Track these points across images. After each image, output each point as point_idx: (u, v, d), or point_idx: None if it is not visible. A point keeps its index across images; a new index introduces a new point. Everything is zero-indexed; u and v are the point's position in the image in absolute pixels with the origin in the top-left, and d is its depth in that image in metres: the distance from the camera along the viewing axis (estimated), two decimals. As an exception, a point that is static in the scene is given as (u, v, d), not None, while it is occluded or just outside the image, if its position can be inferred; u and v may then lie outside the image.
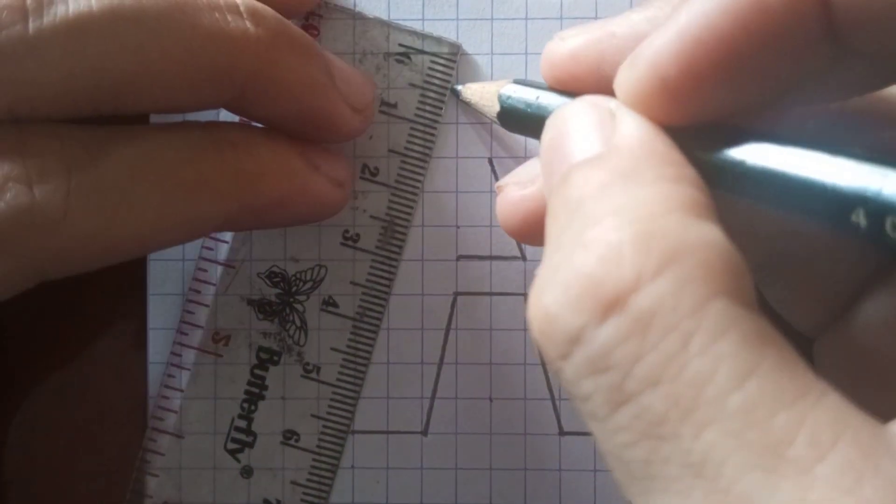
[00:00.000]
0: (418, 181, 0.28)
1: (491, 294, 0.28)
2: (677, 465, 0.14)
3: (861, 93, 0.20)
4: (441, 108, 0.27)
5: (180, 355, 0.27)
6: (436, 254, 0.28)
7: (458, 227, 0.28)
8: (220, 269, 0.28)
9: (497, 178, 0.28)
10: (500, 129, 0.28)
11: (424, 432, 0.28)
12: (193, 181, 0.22)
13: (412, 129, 0.28)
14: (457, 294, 0.28)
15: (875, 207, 0.15)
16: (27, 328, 0.28)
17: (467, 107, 0.27)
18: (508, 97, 0.24)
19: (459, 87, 0.27)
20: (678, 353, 0.15)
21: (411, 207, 0.28)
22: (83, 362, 0.28)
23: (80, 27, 0.20)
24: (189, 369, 0.27)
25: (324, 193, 0.25)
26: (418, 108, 0.28)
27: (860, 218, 0.15)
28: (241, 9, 0.22)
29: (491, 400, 0.28)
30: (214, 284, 0.28)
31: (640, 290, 0.15)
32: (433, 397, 0.28)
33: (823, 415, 0.14)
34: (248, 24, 0.22)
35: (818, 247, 0.22)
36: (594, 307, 0.15)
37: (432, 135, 0.28)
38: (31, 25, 0.20)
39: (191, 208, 0.22)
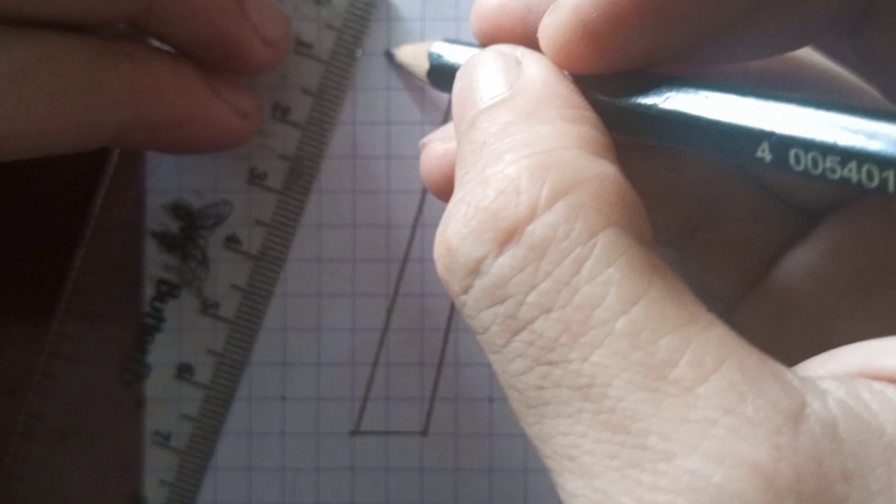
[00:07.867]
0: (331, 122, 0.27)
1: (491, 294, 0.27)
2: (567, 388, 0.15)
3: (780, 51, 0.20)
4: (357, 52, 0.27)
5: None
6: (436, 254, 0.28)
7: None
8: (125, 199, 0.27)
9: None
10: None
11: (424, 433, 0.28)
12: (86, 85, 0.22)
13: (327, 70, 0.27)
14: (457, 294, 0.28)
15: (778, 141, 0.16)
16: (26, 328, 0.28)
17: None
18: (438, 56, 0.23)
19: (394, 51, 0.27)
20: (570, 279, 0.15)
21: (320, 148, 0.27)
22: (81, 364, 0.28)
23: None
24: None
25: (225, 120, 0.25)
26: (335, 51, 0.27)
27: (765, 152, 0.16)
28: None
29: (491, 400, 0.27)
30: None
31: (535, 220, 0.15)
32: (433, 398, 0.27)
33: (709, 340, 0.14)
34: None
35: (738, 212, 0.22)
36: (492, 238, 0.16)
37: (346, 77, 0.27)
38: None
39: (82, 111, 0.22)
